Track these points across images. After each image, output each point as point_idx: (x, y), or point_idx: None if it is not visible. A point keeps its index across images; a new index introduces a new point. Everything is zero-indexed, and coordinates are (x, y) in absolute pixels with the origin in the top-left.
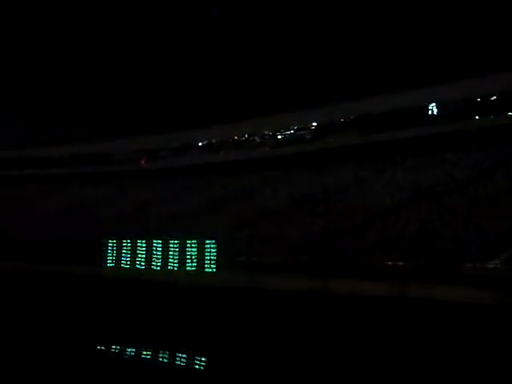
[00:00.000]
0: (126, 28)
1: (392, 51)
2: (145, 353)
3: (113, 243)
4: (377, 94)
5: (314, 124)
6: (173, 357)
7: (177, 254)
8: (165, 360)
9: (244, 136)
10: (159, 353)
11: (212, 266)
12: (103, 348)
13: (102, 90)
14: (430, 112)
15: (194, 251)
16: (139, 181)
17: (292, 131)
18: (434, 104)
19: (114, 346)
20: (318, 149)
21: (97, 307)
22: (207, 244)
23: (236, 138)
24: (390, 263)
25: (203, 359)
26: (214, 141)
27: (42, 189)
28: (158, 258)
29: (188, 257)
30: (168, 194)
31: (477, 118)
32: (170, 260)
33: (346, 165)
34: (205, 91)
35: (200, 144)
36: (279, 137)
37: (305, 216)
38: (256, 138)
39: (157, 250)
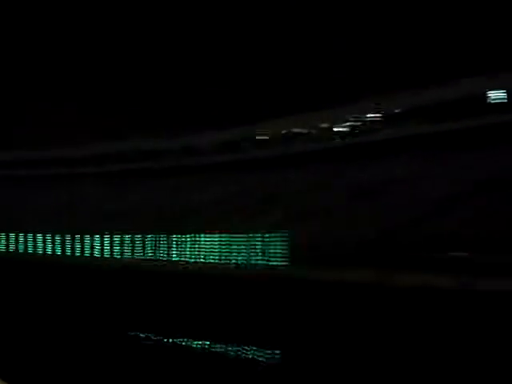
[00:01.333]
0: None
1: (456, 36)
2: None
3: None
4: (436, 82)
5: (370, 115)
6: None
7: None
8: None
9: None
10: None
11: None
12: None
13: None
14: (492, 100)
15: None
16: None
17: (348, 123)
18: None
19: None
20: (374, 140)
21: None
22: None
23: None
24: (453, 255)
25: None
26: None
27: None
28: None
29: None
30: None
31: None
32: None
33: (403, 156)
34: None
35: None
36: (335, 129)
37: (363, 209)
38: (312, 130)
39: None
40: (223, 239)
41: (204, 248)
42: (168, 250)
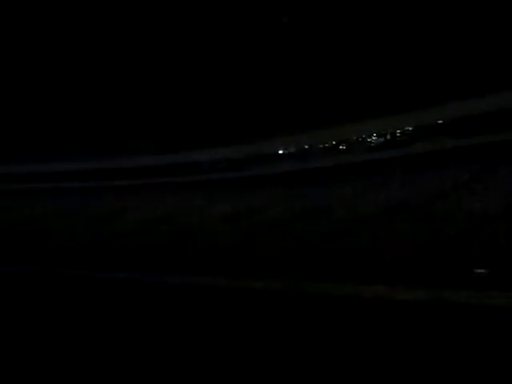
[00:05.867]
0: None
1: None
2: None
3: None
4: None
5: (409, 128)
6: None
7: None
8: None
9: (334, 142)
10: None
11: None
12: None
13: None
14: None
15: None
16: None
17: (385, 136)
18: None
19: None
20: (414, 153)
21: None
22: None
23: (326, 144)
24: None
25: None
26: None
27: None
28: None
29: None
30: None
31: None
32: None
33: (445, 169)
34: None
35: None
36: (371, 142)
37: (404, 224)
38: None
39: None
40: None
41: None
42: None
